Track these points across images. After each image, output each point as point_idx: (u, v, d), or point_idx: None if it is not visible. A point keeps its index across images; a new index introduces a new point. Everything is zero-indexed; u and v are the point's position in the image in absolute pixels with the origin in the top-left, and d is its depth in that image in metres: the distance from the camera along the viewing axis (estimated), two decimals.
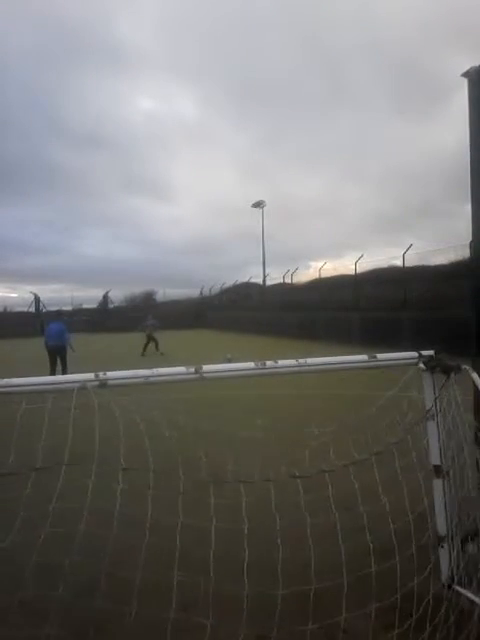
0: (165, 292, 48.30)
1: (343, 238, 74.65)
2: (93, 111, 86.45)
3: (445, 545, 2.73)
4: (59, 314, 15.67)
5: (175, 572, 2.19)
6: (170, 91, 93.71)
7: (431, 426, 2.74)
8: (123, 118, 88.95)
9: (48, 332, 12.87)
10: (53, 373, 11.63)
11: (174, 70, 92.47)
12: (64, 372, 11.63)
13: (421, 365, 2.70)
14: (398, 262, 22.46)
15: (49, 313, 39.81)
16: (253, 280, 39.77)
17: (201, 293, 45.78)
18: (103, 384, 2.20)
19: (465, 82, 3.44)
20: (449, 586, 2.71)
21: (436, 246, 20.84)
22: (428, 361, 2.71)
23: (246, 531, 2.26)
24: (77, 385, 2.17)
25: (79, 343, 13.04)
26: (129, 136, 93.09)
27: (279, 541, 2.39)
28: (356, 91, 73.17)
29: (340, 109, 75.47)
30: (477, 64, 3.35)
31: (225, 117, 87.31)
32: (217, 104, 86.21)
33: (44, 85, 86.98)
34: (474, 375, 2.68)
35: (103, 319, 40.34)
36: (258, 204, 40.24)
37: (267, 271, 38.43)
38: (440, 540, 2.73)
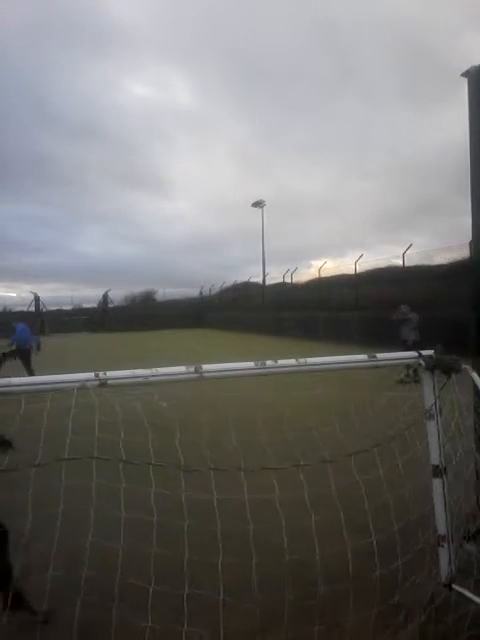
0: (165, 292, 48.35)
1: (345, 236, 74.01)
2: (86, 99, 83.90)
3: (445, 544, 2.73)
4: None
5: (185, 556, 2.19)
6: (166, 77, 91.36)
7: (431, 426, 2.74)
8: (117, 106, 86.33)
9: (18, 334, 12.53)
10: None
11: (170, 54, 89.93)
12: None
13: (420, 367, 2.70)
14: (399, 261, 22.46)
15: (50, 312, 39.91)
16: (253, 280, 39.84)
17: (201, 293, 45.81)
18: (103, 384, 2.20)
19: (465, 82, 3.45)
20: (448, 585, 2.72)
21: (441, 244, 20.70)
22: (428, 361, 2.71)
23: (250, 527, 2.27)
24: (77, 385, 2.17)
25: (81, 342, 12.96)
26: (124, 126, 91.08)
27: (284, 538, 2.39)
28: (362, 79, 71.70)
29: (345, 98, 73.49)
30: (477, 63, 3.35)
31: (224, 106, 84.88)
32: (216, 91, 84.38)
33: (33, 72, 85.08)
34: (474, 375, 2.68)
35: (103, 319, 40.38)
36: (258, 203, 40.21)
37: (267, 270, 38.44)
38: (440, 539, 2.73)
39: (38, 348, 12.89)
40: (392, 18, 65.37)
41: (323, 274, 29.20)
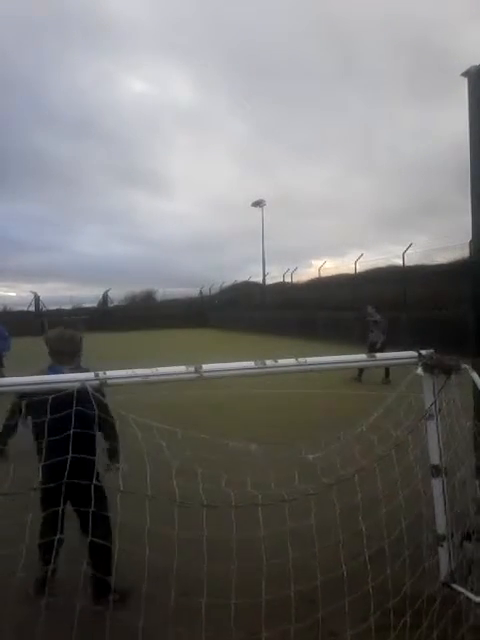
0: (165, 291, 48.25)
1: (345, 236, 73.67)
2: (84, 96, 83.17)
3: (444, 544, 2.73)
4: None
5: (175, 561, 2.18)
6: (165, 74, 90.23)
7: (431, 426, 2.74)
8: (116, 104, 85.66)
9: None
10: None
11: (169, 50, 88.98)
12: None
13: (419, 367, 2.70)
14: (399, 261, 22.49)
15: (50, 312, 39.89)
16: (253, 279, 39.83)
17: (201, 293, 45.79)
18: (103, 383, 2.20)
19: (465, 81, 3.45)
20: (448, 585, 2.71)
21: (441, 244, 20.63)
22: (428, 361, 2.70)
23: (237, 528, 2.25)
24: (77, 385, 2.17)
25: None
26: (123, 124, 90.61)
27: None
28: (363, 77, 70.96)
29: (346, 97, 73.00)
30: (477, 63, 3.35)
31: (224, 103, 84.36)
32: (216, 89, 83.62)
33: (31, 69, 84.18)
34: (474, 375, 2.67)
35: (103, 318, 40.36)
36: (258, 203, 40.17)
37: (268, 270, 38.43)
38: (439, 539, 2.73)
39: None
40: (394, 15, 65.09)
41: (323, 274, 29.26)
